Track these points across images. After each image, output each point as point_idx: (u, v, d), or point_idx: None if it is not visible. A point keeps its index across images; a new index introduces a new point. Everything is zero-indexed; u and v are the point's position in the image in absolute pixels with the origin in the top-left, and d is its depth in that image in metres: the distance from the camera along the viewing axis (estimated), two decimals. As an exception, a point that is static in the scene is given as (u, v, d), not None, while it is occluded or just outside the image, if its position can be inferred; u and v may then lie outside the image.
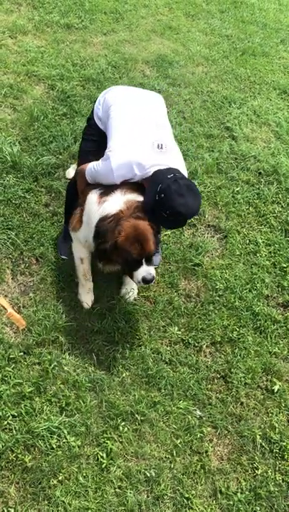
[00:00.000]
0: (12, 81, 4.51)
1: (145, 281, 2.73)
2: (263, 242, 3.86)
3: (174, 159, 2.83)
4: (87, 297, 3.20)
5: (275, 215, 4.06)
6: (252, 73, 5.58)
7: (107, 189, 2.81)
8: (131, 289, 3.29)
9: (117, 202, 2.73)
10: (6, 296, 3.16)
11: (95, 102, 3.19)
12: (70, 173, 3.76)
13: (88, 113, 4.39)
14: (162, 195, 2.57)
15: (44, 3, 5.52)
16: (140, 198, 2.75)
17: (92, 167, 2.86)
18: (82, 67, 4.92)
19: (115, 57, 5.15)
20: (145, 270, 2.72)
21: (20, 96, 4.41)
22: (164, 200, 2.57)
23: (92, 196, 2.84)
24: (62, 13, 5.47)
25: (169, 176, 2.61)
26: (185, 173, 2.83)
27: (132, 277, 2.83)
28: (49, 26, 5.28)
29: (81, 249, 3.08)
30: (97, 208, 2.79)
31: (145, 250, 2.67)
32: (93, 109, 3.17)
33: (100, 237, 2.74)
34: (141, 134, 2.81)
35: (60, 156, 3.98)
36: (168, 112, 4.60)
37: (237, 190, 4.16)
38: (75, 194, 3.18)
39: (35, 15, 5.34)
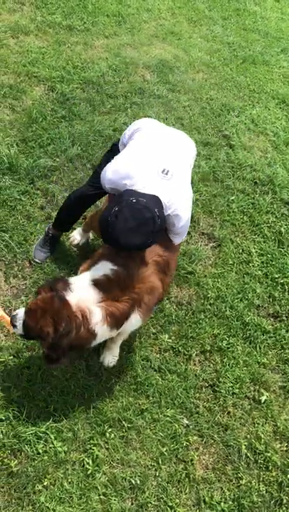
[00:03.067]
0: (12, 81, 4.51)
1: None
2: (256, 251, 3.89)
3: (174, 190, 2.56)
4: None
5: (269, 225, 4.09)
6: (252, 82, 5.60)
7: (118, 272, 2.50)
8: (112, 357, 3.02)
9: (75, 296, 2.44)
10: (-3, 298, 3.17)
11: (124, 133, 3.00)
12: (76, 238, 3.49)
13: (87, 116, 4.44)
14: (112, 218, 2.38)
15: (47, 4, 5.52)
16: (96, 310, 2.45)
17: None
18: (83, 70, 4.92)
19: (116, 60, 5.16)
20: None
21: (19, 97, 4.41)
22: (110, 223, 2.38)
23: (105, 265, 2.54)
24: (64, 15, 5.47)
25: (130, 199, 2.40)
26: (180, 205, 2.59)
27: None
28: (51, 27, 5.27)
29: None
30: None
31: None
32: (120, 139, 2.99)
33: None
34: (152, 156, 2.62)
35: (58, 159, 3.99)
36: (166, 119, 4.65)
37: (232, 199, 4.18)
38: (77, 205, 3.20)
39: (37, 15, 5.33)
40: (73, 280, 2.51)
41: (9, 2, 5.36)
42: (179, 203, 2.57)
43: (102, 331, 2.45)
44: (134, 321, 2.58)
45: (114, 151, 2.98)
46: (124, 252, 2.50)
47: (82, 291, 2.44)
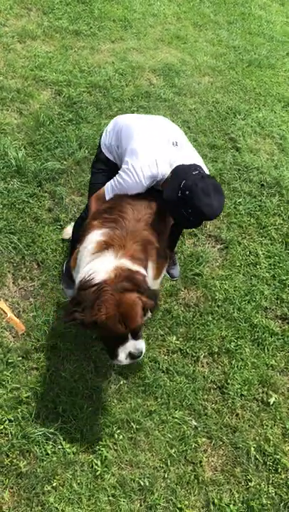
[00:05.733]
0: (19, 85, 4.55)
1: (132, 357, 2.34)
2: (264, 253, 3.89)
3: (191, 155, 2.70)
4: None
5: (276, 227, 4.09)
6: (257, 85, 5.62)
7: (110, 233, 2.47)
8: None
9: (107, 266, 2.34)
10: (6, 300, 3.18)
11: (100, 135, 3.06)
12: (68, 231, 3.46)
13: (94, 119, 4.46)
14: (187, 192, 2.39)
15: (54, 9, 5.57)
16: (136, 268, 2.38)
17: (112, 183, 2.68)
18: (90, 74, 4.96)
19: (122, 64, 5.19)
20: (132, 345, 2.32)
21: (27, 101, 4.44)
22: (189, 197, 2.39)
23: (92, 238, 2.50)
24: (71, 20, 5.52)
25: (194, 173, 2.44)
26: (206, 169, 2.67)
27: (114, 356, 2.36)
28: (58, 32, 5.32)
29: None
30: (88, 259, 2.44)
31: (130, 327, 2.27)
32: (100, 143, 3.03)
33: (79, 307, 2.30)
34: (156, 134, 2.71)
35: (65, 162, 4.01)
36: (172, 122, 4.66)
37: (239, 202, 4.18)
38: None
39: (44, 20, 5.38)
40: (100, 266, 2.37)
41: (16, 8, 5.42)
42: (202, 165, 2.69)
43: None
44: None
45: (100, 158, 3.00)
46: (104, 215, 2.55)
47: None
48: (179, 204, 2.45)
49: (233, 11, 6.85)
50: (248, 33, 6.52)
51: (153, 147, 2.64)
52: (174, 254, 3.48)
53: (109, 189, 2.70)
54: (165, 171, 2.61)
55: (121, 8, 6.00)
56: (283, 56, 6.27)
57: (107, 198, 2.71)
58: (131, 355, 2.33)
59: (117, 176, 2.68)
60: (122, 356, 2.33)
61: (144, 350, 2.37)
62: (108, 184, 2.72)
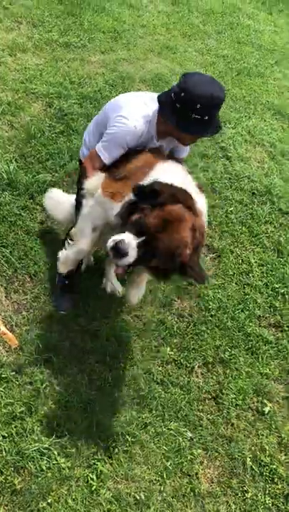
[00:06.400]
0: (10, 98, 4.56)
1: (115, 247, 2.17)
2: (256, 262, 3.90)
3: None
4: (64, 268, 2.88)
5: (267, 235, 4.11)
6: (247, 93, 5.68)
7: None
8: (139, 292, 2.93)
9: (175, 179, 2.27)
10: (-1, 314, 3.17)
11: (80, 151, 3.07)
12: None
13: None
14: (182, 93, 2.35)
15: (44, 22, 5.60)
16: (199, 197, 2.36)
17: (102, 141, 2.65)
18: (80, 85, 4.98)
19: (113, 75, 5.23)
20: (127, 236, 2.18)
21: (17, 113, 4.45)
22: (187, 95, 2.34)
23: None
24: (61, 32, 5.55)
25: (180, 81, 2.41)
26: None
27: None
28: (48, 44, 5.35)
29: (98, 215, 2.65)
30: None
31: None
32: (80, 155, 3.04)
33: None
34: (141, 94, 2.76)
35: (56, 174, 4.02)
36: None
37: (230, 210, 4.21)
38: None
39: (34, 33, 5.41)
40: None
41: (6, 21, 5.44)
42: None
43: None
44: None
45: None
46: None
47: None
48: (181, 110, 2.39)
49: (221, 21, 6.93)
50: (237, 43, 6.60)
51: (137, 98, 2.63)
52: None
53: (100, 147, 2.64)
54: (156, 107, 2.56)
55: (110, 20, 6.05)
56: (272, 64, 6.35)
57: (103, 157, 2.64)
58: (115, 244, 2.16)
59: (105, 132, 2.63)
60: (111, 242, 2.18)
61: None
62: (98, 144, 2.66)
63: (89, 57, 5.40)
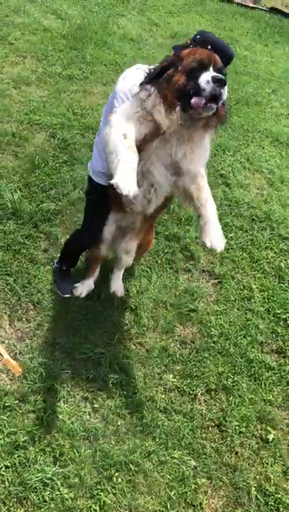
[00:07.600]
0: (15, 129, 4.70)
1: (215, 79, 2.24)
2: (257, 287, 3.94)
3: None
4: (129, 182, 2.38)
5: (268, 260, 4.16)
6: (245, 121, 5.82)
7: None
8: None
9: None
10: (2, 342, 3.20)
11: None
12: (78, 290, 3.53)
13: (88, 160, 4.56)
14: (197, 36, 2.41)
15: (48, 56, 5.82)
16: None
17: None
18: (83, 116, 5.13)
19: (114, 106, 5.37)
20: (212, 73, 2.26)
21: (22, 144, 4.58)
22: (201, 37, 2.40)
23: None
24: (64, 65, 5.75)
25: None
26: None
27: (192, 93, 2.27)
28: (51, 77, 5.54)
29: (125, 124, 2.52)
30: None
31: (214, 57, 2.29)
32: (90, 176, 3.12)
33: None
34: None
35: (60, 203, 4.11)
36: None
37: (231, 236, 4.27)
38: (79, 242, 3.32)
39: (38, 67, 5.61)
40: None
41: (12, 56, 5.65)
42: None
43: None
44: None
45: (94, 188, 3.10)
46: None
47: None
48: (196, 44, 2.40)
49: (219, 52, 7.15)
50: (235, 73, 6.79)
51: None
52: None
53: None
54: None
55: (112, 53, 6.27)
56: (269, 93, 6.52)
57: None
58: (213, 78, 2.23)
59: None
60: (205, 78, 2.25)
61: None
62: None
63: (91, 89, 5.57)
